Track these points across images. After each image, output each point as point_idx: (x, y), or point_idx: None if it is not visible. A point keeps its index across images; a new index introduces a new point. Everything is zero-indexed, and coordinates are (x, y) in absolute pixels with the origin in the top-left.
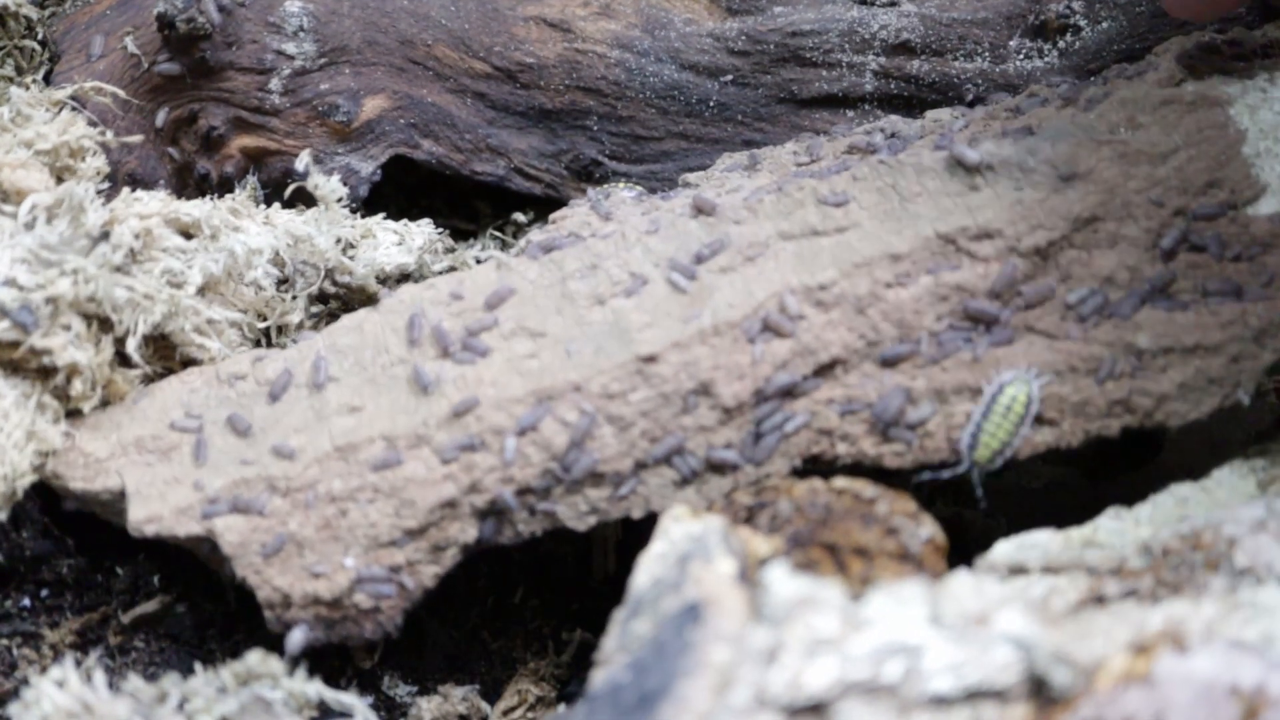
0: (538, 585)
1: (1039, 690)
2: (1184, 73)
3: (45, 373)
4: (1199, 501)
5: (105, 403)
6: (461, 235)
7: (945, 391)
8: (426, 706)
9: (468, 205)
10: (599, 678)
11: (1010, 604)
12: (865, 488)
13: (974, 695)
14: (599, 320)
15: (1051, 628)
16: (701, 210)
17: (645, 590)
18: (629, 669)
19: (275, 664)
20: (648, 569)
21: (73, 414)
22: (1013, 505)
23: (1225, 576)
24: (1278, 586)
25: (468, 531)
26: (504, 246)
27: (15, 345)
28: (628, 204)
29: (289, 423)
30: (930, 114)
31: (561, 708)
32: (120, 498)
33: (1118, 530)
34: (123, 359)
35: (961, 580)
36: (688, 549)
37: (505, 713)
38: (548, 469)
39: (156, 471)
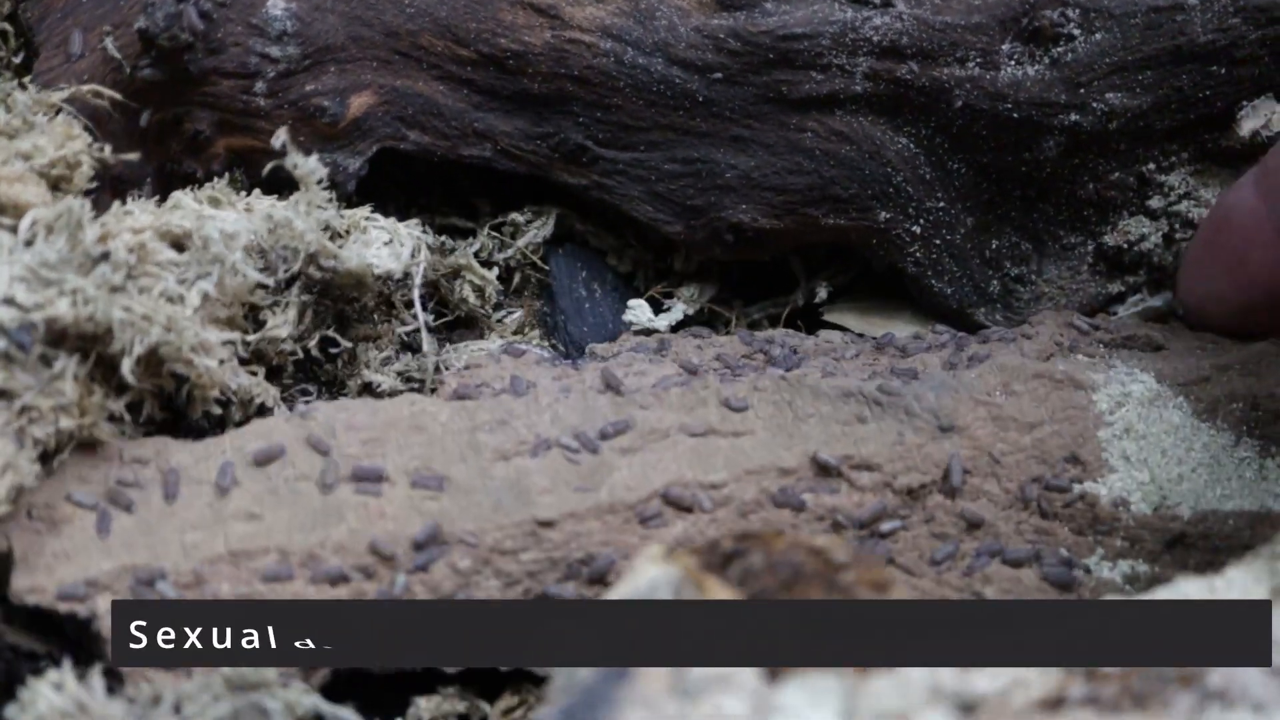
0: None
1: None
2: (1055, 348)
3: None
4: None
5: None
6: (461, 234)
7: None
8: (425, 706)
9: (468, 204)
10: (539, 716)
11: (933, 705)
12: (841, 552)
13: None
14: (501, 475)
15: None
16: (610, 386)
17: None
18: (561, 713)
19: (270, 673)
20: None
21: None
22: None
23: (1195, 695)
24: (1250, 714)
25: None
26: (502, 246)
27: (9, 365)
28: (542, 365)
29: (186, 518)
30: (823, 334)
31: None
32: (5, 558)
33: None
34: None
35: (884, 679)
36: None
37: (505, 713)
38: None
39: (46, 543)
